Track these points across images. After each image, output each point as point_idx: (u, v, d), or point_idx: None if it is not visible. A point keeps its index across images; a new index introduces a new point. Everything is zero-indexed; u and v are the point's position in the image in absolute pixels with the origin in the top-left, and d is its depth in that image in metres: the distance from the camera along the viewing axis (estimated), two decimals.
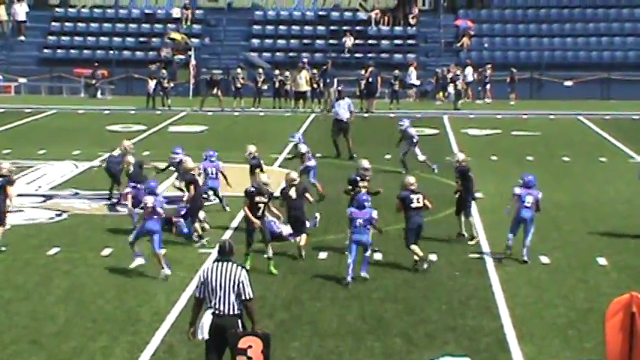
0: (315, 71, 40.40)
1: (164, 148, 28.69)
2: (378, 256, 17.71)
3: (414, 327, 14.15)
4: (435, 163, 25.70)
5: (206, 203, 21.32)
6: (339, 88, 33.23)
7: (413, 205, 17.00)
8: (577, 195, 23.23)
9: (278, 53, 47.30)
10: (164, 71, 41.23)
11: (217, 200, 21.65)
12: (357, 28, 48.35)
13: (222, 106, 39.63)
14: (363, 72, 39.95)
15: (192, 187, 18.71)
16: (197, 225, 18.75)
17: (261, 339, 10.78)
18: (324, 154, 28.64)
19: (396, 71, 41.30)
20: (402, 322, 14.36)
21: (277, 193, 18.68)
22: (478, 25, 48.16)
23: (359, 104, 39.16)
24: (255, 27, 49.11)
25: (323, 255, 18.02)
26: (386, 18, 48.63)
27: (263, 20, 49.55)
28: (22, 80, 46.21)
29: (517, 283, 16.38)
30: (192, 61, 44.39)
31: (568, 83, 44.10)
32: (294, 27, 48.90)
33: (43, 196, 23.31)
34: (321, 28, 48.79)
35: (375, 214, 16.42)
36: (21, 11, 49.00)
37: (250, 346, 10.71)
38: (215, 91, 39.85)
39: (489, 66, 43.23)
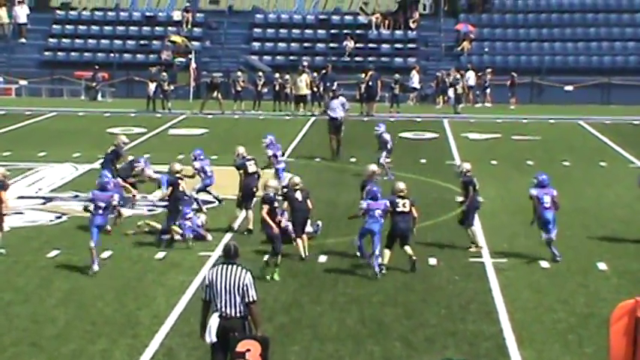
0: (315, 74, 40.43)
1: (164, 151, 28.77)
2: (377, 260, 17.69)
3: (414, 331, 14.14)
4: (392, 174, 24.98)
5: (207, 206, 21.44)
6: (334, 88, 33.22)
7: (398, 210, 17.21)
8: (577, 200, 23.22)
9: (278, 56, 47.30)
10: (164, 74, 41.23)
11: (212, 197, 22.07)
12: (358, 31, 48.34)
13: (223, 109, 39.63)
14: (363, 75, 39.96)
15: (170, 189, 18.74)
16: (175, 227, 18.70)
17: (259, 342, 10.79)
18: (323, 157, 28.70)
19: (397, 75, 41.31)
20: (402, 326, 14.35)
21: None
22: (479, 30, 48.17)
23: (359, 108, 39.22)
24: (256, 30, 49.12)
25: (323, 259, 18.01)
26: (386, 22, 48.64)
27: (264, 23, 49.56)
28: (23, 82, 46.21)
29: (517, 288, 16.37)
30: (193, 64, 44.39)
31: (568, 88, 44.11)
32: (294, 30, 48.90)
33: (43, 198, 23.31)
34: (321, 31, 48.79)
35: (388, 203, 17.12)
36: (22, 13, 49.01)
37: (249, 350, 10.71)
38: (215, 94, 39.84)
39: (489, 70, 43.28)
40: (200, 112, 39.56)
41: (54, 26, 49.59)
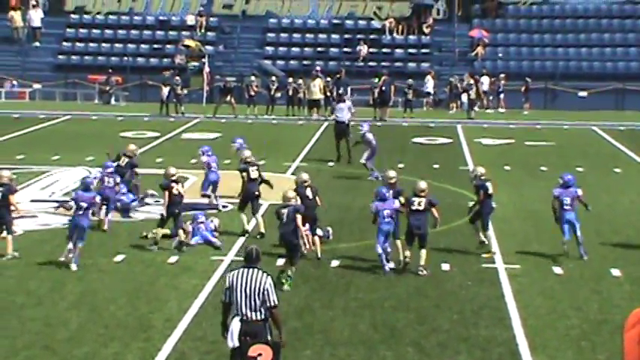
0: (328, 79, 40.45)
1: (177, 155, 28.80)
2: (389, 264, 17.65)
3: (426, 336, 14.11)
4: (378, 173, 25.06)
5: (215, 210, 21.50)
6: (340, 92, 33.15)
7: (413, 208, 17.38)
8: (591, 206, 23.14)
9: (292, 61, 47.36)
10: (178, 78, 41.33)
11: (212, 195, 22.29)
12: (372, 36, 48.39)
13: (236, 114, 39.68)
14: (376, 80, 39.96)
15: (165, 193, 18.78)
16: (180, 232, 18.74)
17: (271, 347, 10.78)
18: (336, 161, 28.70)
19: (410, 80, 41.29)
20: (414, 332, 14.31)
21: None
22: (492, 35, 48.13)
23: (372, 113, 39.20)
24: (270, 35, 49.20)
25: (335, 263, 18.00)
26: (400, 27, 48.65)
27: (277, 28, 49.61)
28: (37, 86, 46.38)
29: (530, 294, 16.32)
30: (206, 69, 44.43)
31: (582, 94, 44.00)
32: (308, 35, 48.96)
33: (57, 201, 23.34)
34: (335, 36, 48.84)
35: (397, 203, 17.35)
36: (36, 17, 49.19)
37: (260, 354, 10.71)
38: (228, 98, 39.91)
39: (503, 75, 43.22)
40: (213, 117, 39.62)
41: (68, 30, 49.78)
